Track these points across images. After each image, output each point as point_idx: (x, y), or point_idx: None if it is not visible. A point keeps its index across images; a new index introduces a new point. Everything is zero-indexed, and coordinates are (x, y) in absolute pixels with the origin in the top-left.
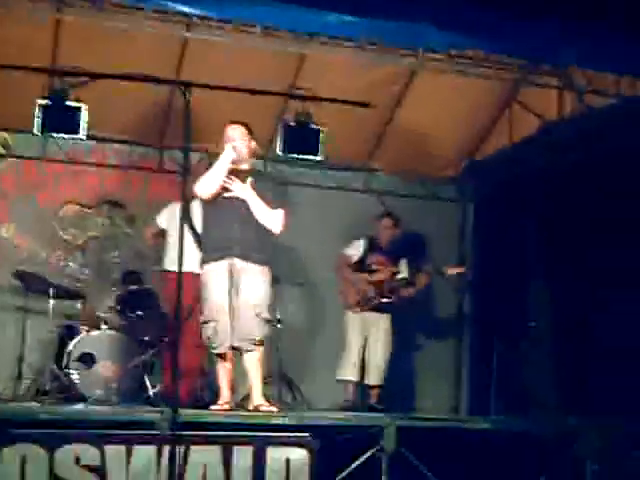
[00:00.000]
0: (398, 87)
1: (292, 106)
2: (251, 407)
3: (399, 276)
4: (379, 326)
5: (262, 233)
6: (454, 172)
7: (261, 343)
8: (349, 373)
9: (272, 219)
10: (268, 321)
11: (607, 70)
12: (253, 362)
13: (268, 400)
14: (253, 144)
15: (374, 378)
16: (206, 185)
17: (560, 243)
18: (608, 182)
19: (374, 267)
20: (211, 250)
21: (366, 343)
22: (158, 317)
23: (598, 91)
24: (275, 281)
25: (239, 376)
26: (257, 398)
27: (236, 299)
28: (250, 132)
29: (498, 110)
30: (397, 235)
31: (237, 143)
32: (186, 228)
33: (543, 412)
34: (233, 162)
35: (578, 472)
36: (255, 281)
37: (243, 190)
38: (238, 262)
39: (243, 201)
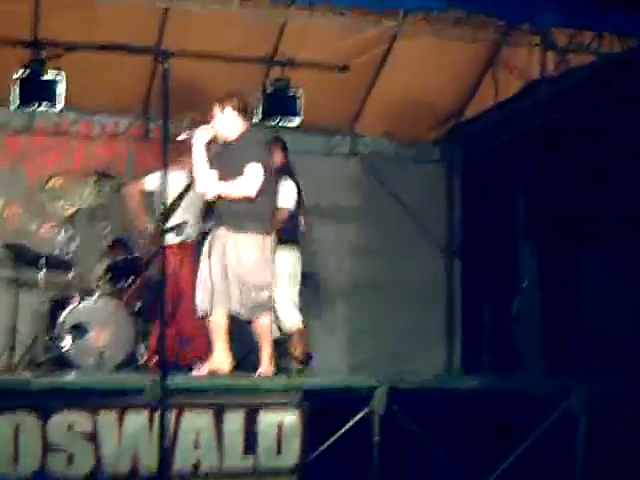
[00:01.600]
0: (380, 51)
1: (274, 73)
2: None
3: None
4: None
5: (252, 202)
6: (439, 134)
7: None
8: None
9: (242, 187)
10: (266, 286)
11: (587, 28)
12: (262, 328)
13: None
14: (242, 117)
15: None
16: (204, 183)
17: (547, 202)
18: (593, 140)
19: None
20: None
21: None
22: (147, 284)
23: (580, 49)
24: None
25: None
26: (264, 365)
27: (229, 268)
28: (241, 106)
29: (481, 71)
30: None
31: (216, 121)
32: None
33: (534, 370)
34: (221, 137)
35: (570, 428)
36: (246, 249)
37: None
38: (224, 232)
39: (230, 170)
